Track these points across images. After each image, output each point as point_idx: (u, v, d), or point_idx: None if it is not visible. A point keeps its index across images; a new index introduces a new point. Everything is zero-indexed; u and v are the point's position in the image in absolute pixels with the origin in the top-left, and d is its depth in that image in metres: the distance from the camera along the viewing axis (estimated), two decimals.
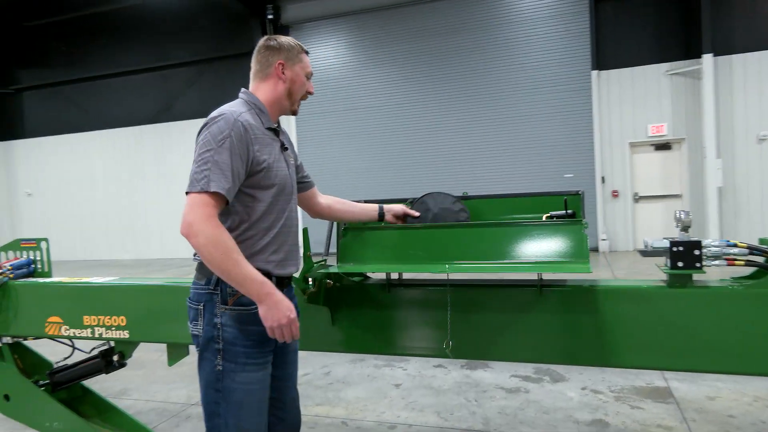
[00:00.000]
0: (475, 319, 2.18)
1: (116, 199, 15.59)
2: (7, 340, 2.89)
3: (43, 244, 2.96)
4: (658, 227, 11.14)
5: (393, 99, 12.95)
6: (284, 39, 1.92)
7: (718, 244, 1.97)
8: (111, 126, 15.58)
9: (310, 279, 2.20)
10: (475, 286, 2.22)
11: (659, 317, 1.96)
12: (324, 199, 2.24)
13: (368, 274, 2.49)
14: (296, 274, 2.03)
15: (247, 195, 1.75)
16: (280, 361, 1.93)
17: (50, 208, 16.41)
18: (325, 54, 13.42)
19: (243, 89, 1.90)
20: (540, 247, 2.02)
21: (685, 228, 2.03)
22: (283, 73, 1.87)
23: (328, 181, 13.25)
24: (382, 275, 2.35)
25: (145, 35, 15.03)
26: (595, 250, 11.47)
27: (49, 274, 2.95)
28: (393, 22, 12.84)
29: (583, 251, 1.97)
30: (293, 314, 1.70)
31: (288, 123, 13.74)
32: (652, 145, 11.41)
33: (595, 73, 11.44)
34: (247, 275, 1.63)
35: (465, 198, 2.42)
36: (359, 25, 13.15)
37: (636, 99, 11.38)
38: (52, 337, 2.74)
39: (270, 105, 1.88)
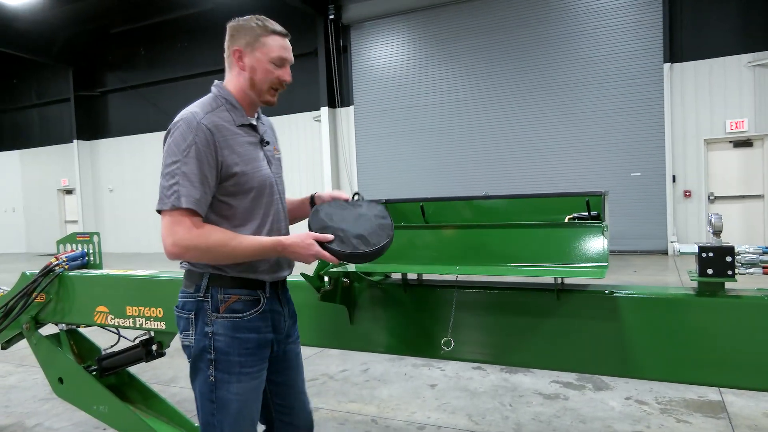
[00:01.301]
0: (492, 322, 2.13)
1: None
2: (63, 326, 3.12)
3: (95, 238, 3.15)
4: (735, 230, 10.39)
5: (453, 96, 12.82)
6: (245, 21, 1.72)
7: (754, 250, 1.82)
8: None
9: (326, 278, 2.23)
10: (493, 288, 2.16)
11: (685, 327, 1.84)
12: None
13: (389, 274, 2.49)
14: (312, 272, 2.05)
15: (222, 203, 1.66)
16: (283, 366, 1.87)
17: (129, 203, 17.50)
18: (386, 52, 13.48)
19: (216, 81, 1.77)
20: (556, 250, 1.94)
21: (717, 232, 1.90)
22: (241, 60, 1.70)
23: (386, 179, 13.34)
24: (399, 275, 2.34)
25: (216, 38, 15.59)
26: (665, 253, 10.87)
27: (100, 266, 3.14)
28: (454, 19, 12.70)
29: (601, 255, 1.88)
30: (309, 242, 1.61)
31: (347, 120, 13.93)
32: (731, 141, 10.66)
33: (667, 65, 10.82)
34: (255, 249, 1.61)
35: (487, 198, 2.36)
36: (419, 23, 13.11)
37: (713, 93, 10.66)
38: (100, 326, 2.92)
39: (239, 97, 1.72)
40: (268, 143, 1.80)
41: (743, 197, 10.57)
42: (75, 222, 18.31)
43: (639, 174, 11.03)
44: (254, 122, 1.78)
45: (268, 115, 1.96)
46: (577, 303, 1.99)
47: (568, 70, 11.69)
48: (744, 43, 10.42)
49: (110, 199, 17.97)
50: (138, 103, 17.25)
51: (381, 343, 2.35)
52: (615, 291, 1.94)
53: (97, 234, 3.15)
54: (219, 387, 1.67)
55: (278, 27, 1.76)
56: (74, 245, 3.18)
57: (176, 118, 1.64)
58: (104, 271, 3.04)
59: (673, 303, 1.87)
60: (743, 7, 10.43)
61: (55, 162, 18.82)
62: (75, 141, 17.94)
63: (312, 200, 1.98)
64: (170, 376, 4.40)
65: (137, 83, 17.10)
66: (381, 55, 13.54)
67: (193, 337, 1.70)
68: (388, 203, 2.56)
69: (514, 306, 2.09)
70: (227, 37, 1.74)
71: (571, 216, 2.18)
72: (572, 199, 2.21)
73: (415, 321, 2.28)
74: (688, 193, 10.82)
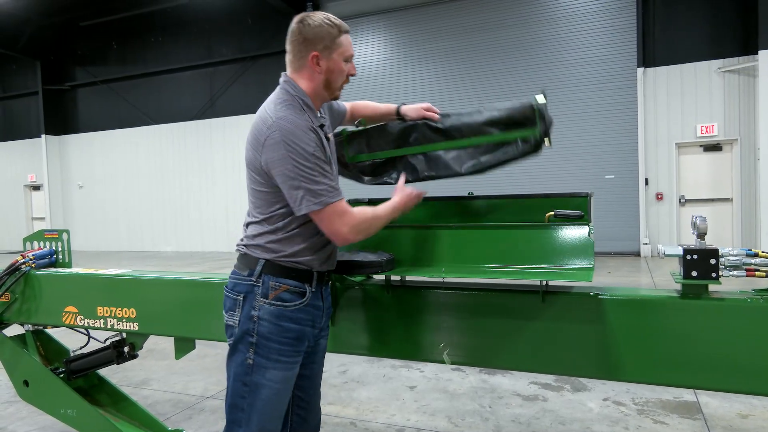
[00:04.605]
0: (475, 324, 2.10)
1: (160, 193, 16.09)
2: (29, 327, 2.99)
3: (64, 235, 3.03)
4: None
5: (431, 97, 12.82)
6: (318, 23, 1.73)
7: (737, 253, 1.82)
8: (157, 122, 16.08)
9: None
10: (478, 290, 2.14)
11: (669, 329, 1.83)
12: (348, 108, 2.22)
13: (372, 275, 2.44)
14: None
15: None
16: (310, 359, 1.90)
17: (99, 200, 17.09)
18: (364, 51, 13.43)
19: (285, 77, 1.78)
20: (542, 252, 1.92)
21: (702, 235, 1.90)
22: (318, 65, 1.74)
23: None
24: (382, 275, 2.29)
25: (192, 34, 15.43)
26: (637, 254, 11.05)
27: (69, 265, 3.02)
28: (432, 19, 12.72)
29: (587, 257, 1.86)
30: (410, 192, 1.93)
31: None
32: (701, 146, 10.90)
33: (641, 70, 11.01)
34: (390, 213, 1.83)
35: (471, 198, 2.34)
36: (398, 22, 13.10)
37: (685, 97, 10.89)
38: (69, 327, 2.81)
39: (312, 97, 1.78)
40: (329, 139, 1.86)
41: (713, 200, 10.82)
42: (42, 219, 17.79)
43: (613, 176, 11.20)
44: (323, 122, 1.84)
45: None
46: (562, 305, 1.97)
47: (544, 73, 11.79)
48: (714, 49, 10.67)
49: (80, 195, 17.50)
50: (110, 98, 16.83)
51: (363, 346, 2.30)
52: (600, 293, 1.93)
53: (67, 231, 3.03)
54: (255, 371, 1.71)
55: (345, 24, 1.81)
56: (42, 243, 3.05)
57: (274, 121, 1.65)
58: (74, 270, 2.93)
59: (657, 305, 1.86)
60: (713, 15, 10.67)
61: (21, 157, 18.25)
62: (43, 136, 17.42)
63: (398, 112, 2.18)
64: (142, 378, 4.28)
65: (109, 78, 16.69)
66: (359, 54, 13.47)
67: (237, 318, 1.74)
68: (371, 202, 2.52)
69: (499, 308, 2.06)
70: (299, 40, 1.75)
71: (553, 212, 2.16)
72: (558, 200, 2.20)
73: (398, 323, 2.23)
74: (660, 196, 11.03)
